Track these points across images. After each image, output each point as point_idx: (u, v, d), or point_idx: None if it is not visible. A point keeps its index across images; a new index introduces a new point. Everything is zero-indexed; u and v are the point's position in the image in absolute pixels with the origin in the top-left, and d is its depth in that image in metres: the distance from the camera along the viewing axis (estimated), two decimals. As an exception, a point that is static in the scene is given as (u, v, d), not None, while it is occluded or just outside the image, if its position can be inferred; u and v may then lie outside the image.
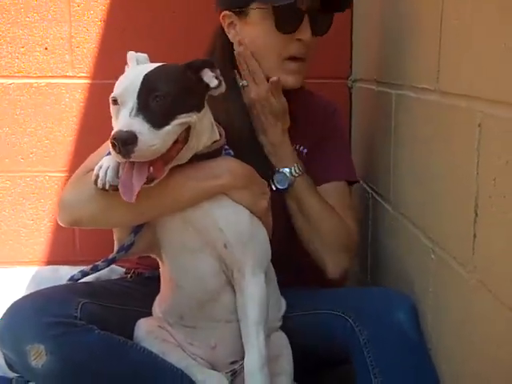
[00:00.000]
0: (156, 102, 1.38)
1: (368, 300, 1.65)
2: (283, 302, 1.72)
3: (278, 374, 1.60)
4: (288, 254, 1.72)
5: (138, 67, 1.51)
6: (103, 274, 1.77)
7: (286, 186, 1.76)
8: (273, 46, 1.75)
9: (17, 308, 1.53)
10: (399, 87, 1.82)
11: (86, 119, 2.42)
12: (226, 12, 1.79)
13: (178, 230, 1.55)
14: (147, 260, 1.68)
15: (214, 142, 1.55)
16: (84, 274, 1.67)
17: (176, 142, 1.42)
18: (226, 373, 1.61)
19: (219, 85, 1.52)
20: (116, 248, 1.62)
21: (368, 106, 2.27)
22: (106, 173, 1.44)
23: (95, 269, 1.66)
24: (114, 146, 1.33)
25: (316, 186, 1.84)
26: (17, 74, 2.38)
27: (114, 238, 1.63)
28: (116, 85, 1.45)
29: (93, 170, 1.48)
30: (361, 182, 2.29)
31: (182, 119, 1.41)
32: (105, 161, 1.46)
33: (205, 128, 1.51)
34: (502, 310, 1.19)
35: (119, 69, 2.37)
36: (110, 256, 1.61)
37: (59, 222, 1.58)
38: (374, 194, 2.09)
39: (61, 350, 1.46)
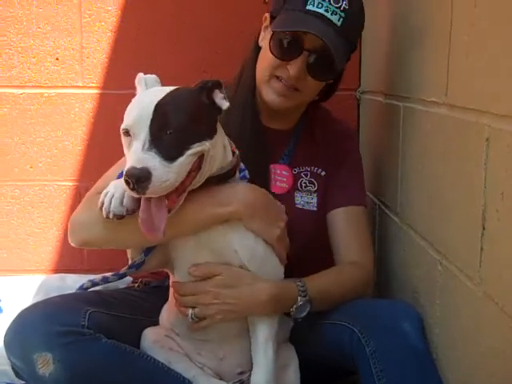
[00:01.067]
0: (169, 134, 1.36)
1: (374, 311, 1.65)
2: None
3: None
4: (304, 272, 1.72)
5: (148, 94, 1.47)
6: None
7: (309, 307, 1.63)
8: (267, 62, 1.76)
9: (25, 316, 1.54)
10: (407, 100, 1.83)
11: (96, 129, 2.44)
12: (267, 14, 1.82)
13: (192, 251, 1.57)
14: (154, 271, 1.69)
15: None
16: (94, 283, 1.68)
17: (190, 171, 1.41)
18: (234, 383, 1.62)
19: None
20: (128, 264, 1.62)
21: (376, 118, 2.27)
22: (110, 201, 1.44)
23: (105, 280, 1.67)
24: (127, 183, 1.32)
25: (331, 210, 1.86)
26: (28, 84, 2.41)
27: (127, 252, 1.64)
28: (126, 113, 1.43)
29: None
30: (368, 193, 2.29)
31: (195, 149, 1.40)
32: (111, 187, 1.46)
33: (218, 152, 1.49)
34: (508, 322, 1.19)
35: (129, 79, 2.38)
36: (121, 271, 1.63)
37: (70, 243, 1.59)
38: (382, 206, 2.09)
39: (68, 358, 1.46)
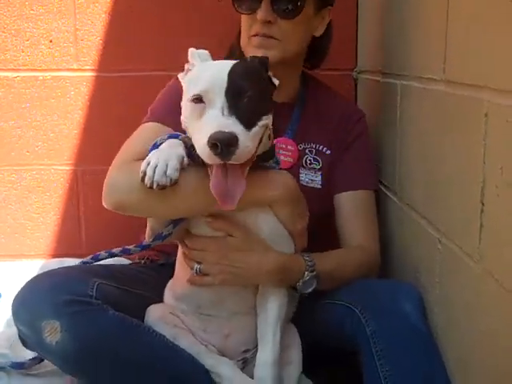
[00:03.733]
0: (245, 101, 1.38)
1: (375, 292, 1.65)
2: (296, 296, 1.72)
3: (287, 364, 1.62)
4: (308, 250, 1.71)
5: (213, 64, 1.50)
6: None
7: (315, 283, 1.63)
8: (243, 26, 1.80)
9: (34, 284, 1.55)
10: (405, 78, 1.81)
11: (92, 112, 2.42)
12: None
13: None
14: (161, 247, 1.68)
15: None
16: (111, 254, 1.69)
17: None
18: (238, 361, 1.63)
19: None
20: (150, 235, 1.61)
21: (373, 97, 2.26)
22: (154, 171, 1.42)
23: (126, 252, 1.68)
24: (215, 147, 1.31)
25: (339, 193, 1.86)
26: (22, 67, 2.39)
27: (148, 225, 1.62)
28: (194, 81, 1.44)
29: (140, 159, 1.47)
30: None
31: (265, 120, 1.43)
32: (152, 157, 1.44)
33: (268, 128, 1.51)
34: (508, 298, 1.19)
35: (124, 62, 2.39)
36: (144, 242, 1.62)
37: (104, 204, 1.57)
38: (381, 186, 2.08)
39: (75, 327, 1.47)
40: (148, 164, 1.43)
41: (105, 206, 1.56)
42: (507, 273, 1.20)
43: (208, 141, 1.31)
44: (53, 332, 1.46)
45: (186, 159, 1.47)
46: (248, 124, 1.37)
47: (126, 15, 2.38)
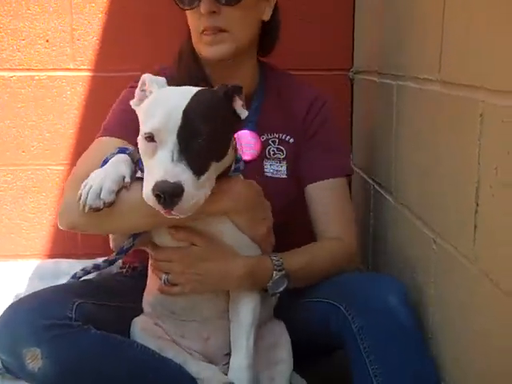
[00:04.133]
0: (199, 144, 1.31)
1: (359, 287, 1.63)
2: (272, 297, 1.70)
3: (277, 362, 1.62)
4: (279, 244, 1.69)
5: (170, 95, 1.41)
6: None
7: (286, 282, 1.61)
8: (190, 24, 1.76)
9: (12, 311, 1.52)
10: (400, 78, 1.82)
11: (88, 112, 2.42)
12: None
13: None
14: (139, 253, 1.67)
15: None
16: (86, 272, 1.68)
17: None
18: (223, 365, 1.62)
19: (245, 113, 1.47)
20: (114, 250, 1.61)
21: (369, 97, 2.26)
22: (87, 194, 1.41)
23: (97, 267, 1.67)
24: (158, 197, 1.28)
25: (309, 184, 1.83)
26: (18, 67, 2.38)
27: (110, 238, 1.63)
28: (147, 115, 1.38)
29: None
30: (362, 174, 2.29)
31: (222, 162, 1.40)
32: (90, 178, 1.44)
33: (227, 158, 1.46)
34: (503, 299, 1.19)
35: (120, 62, 2.38)
36: (110, 257, 1.62)
37: (59, 226, 1.58)
38: (376, 186, 2.08)
39: (57, 352, 1.45)
40: (85, 186, 1.43)
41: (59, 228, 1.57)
42: (502, 273, 1.20)
43: (153, 189, 1.28)
44: (34, 359, 1.43)
45: (127, 177, 1.45)
46: (198, 170, 1.31)
47: (122, 15, 2.38)
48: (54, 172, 2.45)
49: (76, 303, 1.53)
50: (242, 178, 1.58)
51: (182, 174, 1.27)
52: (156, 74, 1.52)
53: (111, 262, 1.64)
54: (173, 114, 1.32)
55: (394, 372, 1.48)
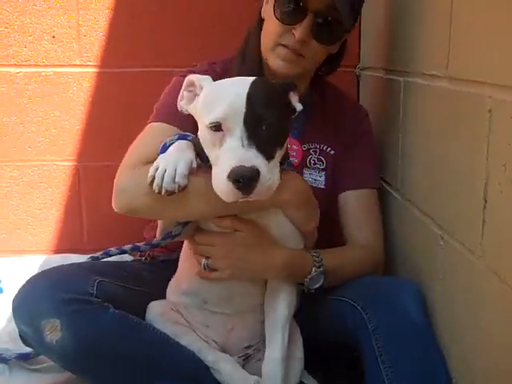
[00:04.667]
0: (265, 130, 1.34)
1: (377, 288, 1.65)
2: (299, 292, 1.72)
3: (290, 359, 1.61)
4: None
5: (229, 84, 1.43)
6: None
7: (322, 279, 1.63)
8: (271, 31, 1.75)
9: (34, 282, 1.55)
10: (408, 74, 1.81)
11: (94, 108, 2.42)
12: None
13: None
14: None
15: None
16: (122, 251, 1.67)
17: None
18: (239, 357, 1.63)
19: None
20: (160, 234, 1.61)
21: (376, 94, 2.26)
22: (162, 177, 1.40)
23: (136, 249, 1.67)
24: (237, 182, 1.29)
25: (344, 191, 1.86)
26: (24, 63, 2.39)
27: (158, 223, 1.62)
28: (209, 106, 1.39)
29: (148, 163, 1.47)
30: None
31: (284, 146, 1.42)
32: (161, 162, 1.43)
33: None
34: (510, 294, 1.19)
35: (126, 58, 2.39)
36: (154, 241, 1.61)
37: (115, 209, 1.55)
38: (382, 183, 2.08)
39: (75, 326, 1.47)
40: (156, 169, 1.42)
41: (115, 210, 1.55)
42: (510, 269, 1.20)
43: (229, 175, 1.29)
44: (53, 331, 1.46)
45: (194, 163, 1.46)
46: (268, 155, 1.34)
47: (128, 11, 2.38)
48: (60, 168, 2.46)
49: (97, 281, 1.56)
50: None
51: (255, 158, 1.30)
52: (205, 68, 1.61)
53: (154, 246, 1.63)
54: (236, 102, 1.34)
55: (405, 372, 1.48)
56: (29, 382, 1.70)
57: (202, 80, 1.48)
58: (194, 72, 1.63)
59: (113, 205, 1.55)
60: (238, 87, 1.38)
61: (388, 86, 2.04)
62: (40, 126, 2.42)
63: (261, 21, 1.82)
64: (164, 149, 1.50)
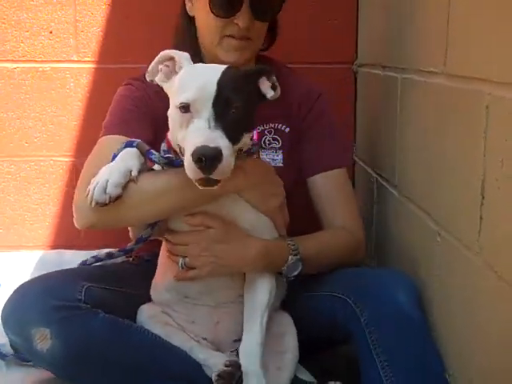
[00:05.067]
0: (232, 114, 1.37)
1: (367, 280, 1.65)
2: (285, 283, 1.72)
3: (284, 352, 1.63)
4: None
5: (203, 69, 1.48)
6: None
7: (300, 266, 1.64)
8: (212, 26, 1.75)
9: (21, 292, 1.54)
10: (405, 71, 1.82)
11: (91, 104, 2.42)
12: None
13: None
14: (147, 242, 1.69)
15: None
16: (97, 259, 1.71)
17: None
18: (231, 352, 1.63)
19: (275, 93, 1.50)
20: (133, 239, 1.63)
21: (373, 90, 2.26)
22: (94, 190, 1.44)
23: (110, 256, 1.70)
24: (199, 161, 1.31)
25: (311, 176, 1.85)
26: (21, 58, 2.38)
27: (129, 230, 1.65)
28: (182, 87, 1.42)
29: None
30: (366, 167, 2.29)
31: (249, 133, 1.44)
32: (98, 175, 1.46)
33: None
34: (507, 291, 1.19)
35: (124, 53, 2.38)
36: (128, 246, 1.65)
37: (77, 227, 1.58)
38: (379, 179, 2.09)
39: (65, 333, 1.47)
40: (93, 183, 1.45)
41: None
42: (507, 265, 1.20)
43: (192, 154, 1.31)
44: (43, 339, 1.46)
45: (135, 171, 1.48)
46: (233, 138, 1.37)
47: (126, 7, 2.37)
48: (57, 163, 2.45)
49: (85, 286, 1.56)
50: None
51: (219, 139, 1.33)
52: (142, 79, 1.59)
53: (127, 251, 1.67)
54: (207, 86, 1.37)
55: (401, 364, 1.49)
56: (26, 378, 1.71)
57: (183, 59, 1.49)
58: (134, 82, 1.73)
59: (74, 223, 1.58)
60: (212, 72, 1.42)
61: (385, 82, 2.04)
62: (37, 122, 2.42)
63: (187, 18, 1.83)
64: (113, 160, 1.51)
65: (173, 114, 1.44)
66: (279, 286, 1.65)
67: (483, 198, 1.29)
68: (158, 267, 1.72)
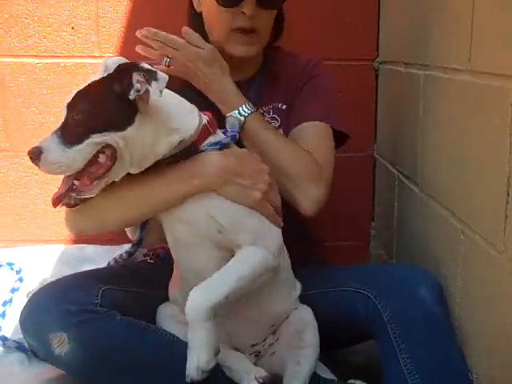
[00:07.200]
0: (74, 120, 1.44)
1: (390, 277, 1.64)
2: (298, 286, 1.71)
3: (304, 347, 1.61)
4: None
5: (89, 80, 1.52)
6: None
7: (237, 128, 1.68)
8: (219, 19, 1.76)
9: (38, 297, 1.55)
10: (428, 68, 1.80)
11: (112, 99, 2.42)
12: None
13: (168, 228, 1.57)
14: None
15: (181, 141, 1.49)
16: (116, 262, 1.82)
17: (96, 160, 1.43)
18: (250, 354, 1.63)
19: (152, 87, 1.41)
20: (132, 239, 1.68)
21: (395, 87, 2.25)
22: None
23: (119, 259, 1.82)
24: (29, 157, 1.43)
25: (295, 126, 1.82)
26: (44, 54, 2.39)
27: (126, 232, 1.69)
28: None
29: None
30: (387, 164, 2.28)
31: (97, 139, 1.42)
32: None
33: (145, 141, 1.44)
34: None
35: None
36: (128, 249, 1.74)
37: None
38: (401, 176, 2.08)
39: (83, 337, 1.47)
40: None
41: None
42: (532, 264, 1.20)
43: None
44: (61, 344, 1.46)
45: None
46: (70, 141, 1.42)
47: (147, 2, 2.38)
48: (78, 158, 2.46)
49: (101, 289, 1.56)
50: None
51: (47, 141, 1.44)
52: None
53: (129, 254, 1.75)
54: (70, 96, 1.48)
55: (424, 360, 1.48)
56: (48, 372, 1.71)
57: (104, 66, 1.59)
58: None
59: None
60: (83, 83, 1.50)
61: (407, 79, 2.03)
62: (59, 117, 2.40)
63: (195, 16, 1.84)
64: None
65: None
66: (291, 287, 1.64)
67: (508, 195, 1.28)
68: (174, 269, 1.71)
